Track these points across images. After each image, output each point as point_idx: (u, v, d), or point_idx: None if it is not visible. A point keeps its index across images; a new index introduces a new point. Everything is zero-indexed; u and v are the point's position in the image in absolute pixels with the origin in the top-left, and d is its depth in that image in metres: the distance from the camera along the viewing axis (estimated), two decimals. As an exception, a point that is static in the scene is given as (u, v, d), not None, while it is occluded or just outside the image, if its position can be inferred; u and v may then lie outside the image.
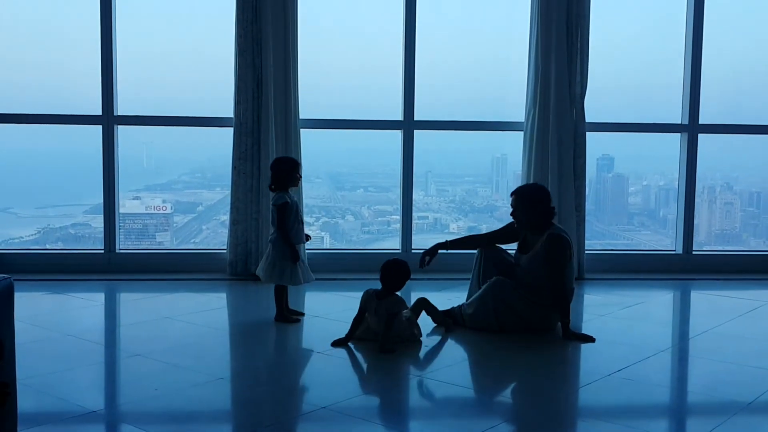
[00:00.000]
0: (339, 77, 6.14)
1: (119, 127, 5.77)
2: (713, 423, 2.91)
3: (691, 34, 5.97)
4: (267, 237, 5.48)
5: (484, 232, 4.36)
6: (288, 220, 4.30)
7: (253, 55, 5.47)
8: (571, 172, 5.70)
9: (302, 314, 4.50)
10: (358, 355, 3.78)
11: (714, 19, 5.97)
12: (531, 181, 5.70)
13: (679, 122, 6.11)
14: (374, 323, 3.93)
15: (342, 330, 4.21)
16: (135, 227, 6.29)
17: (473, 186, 7.04)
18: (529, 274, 4.16)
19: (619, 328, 4.41)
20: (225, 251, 5.64)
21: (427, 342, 4.06)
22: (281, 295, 4.42)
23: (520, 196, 4.21)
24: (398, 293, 3.98)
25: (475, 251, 4.45)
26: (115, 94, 5.71)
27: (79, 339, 3.98)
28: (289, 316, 4.42)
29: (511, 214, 4.25)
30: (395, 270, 3.97)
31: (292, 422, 2.96)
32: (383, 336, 3.82)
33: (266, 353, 3.98)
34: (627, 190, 6.99)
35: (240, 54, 5.45)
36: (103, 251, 5.80)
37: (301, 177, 4.52)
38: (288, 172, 4.35)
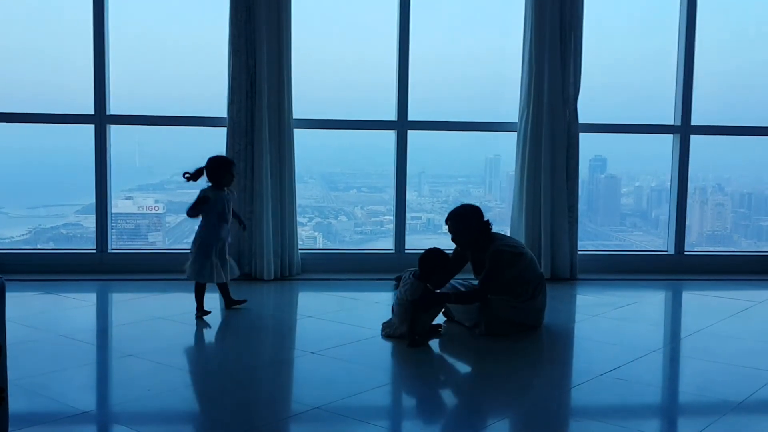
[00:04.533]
0: (333, 77, 6.14)
1: (112, 126, 5.75)
2: (705, 422, 2.92)
3: (684, 35, 5.99)
4: (260, 237, 5.50)
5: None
6: (206, 213, 4.40)
7: (247, 56, 5.46)
8: (564, 173, 5.72)
9: (244, 300, 4.64)
10: (352, 355, 3.78)
11: (706, 20, 6.00)
12: (523, 182, 5.72)
13: (672, 123, 6.14)
14: (399, 295, 4.04)
15: (336, 329, 4.22)
16: (127, 227, 6.26)
17: (466, 186, 7.04)
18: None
19: (612, 328, 4.43)
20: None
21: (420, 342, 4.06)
22: (200, 292, 4.48)
23: (453, 220, 4.24)
24: (426, 282, 4.02)
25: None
26: (108, 94, 5.69)
27: (71, 339, 3.97)
28: (204, 312, 4.47)
29: (452, 240, 4.29)
30: (423, 256, 4.05)
31: (285, 422, 2.95)
32: (408, 329, 3.91)
33: (259, 353, 3.97)
34: (619, 191, 7.02)
35: (234, 54, 5.45)
36: (95, 251, 5.78)
37: (234, 176, 4.54)
38: (217, 169, 4.43)
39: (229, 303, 4.62)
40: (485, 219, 4.24)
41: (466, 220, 4.21)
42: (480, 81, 6.29)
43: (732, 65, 6.52)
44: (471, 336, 4.13)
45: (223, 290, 4.60)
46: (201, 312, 4.47)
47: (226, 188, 4.49)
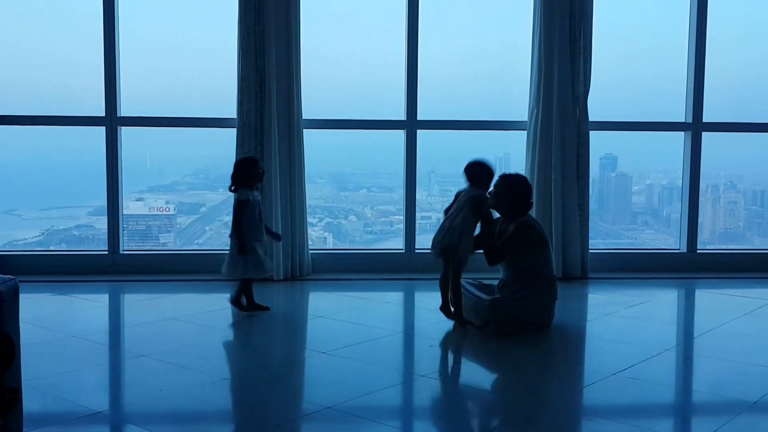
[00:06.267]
0: (342, 77, 6.15)
1: (122, 128, 5.78)
2: (719, 422, 2.90)
3: (695, 31, 5.96)
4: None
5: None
6: (246, 216, 4.43)
7: (256, 56, 5.47)
8: (574, 171, 5.70)
9: (267, 308, 4.62)
10: (363, 355, 3.78)
11: (718, 17, 5.95)
12: (533, 181, 5.69)
13: (683, 120, 6.10)
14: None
15: (347, 329, 4.23)
16: (138, 228, 6.29)
17: (476, 186, 7.02)
18: (507, 262, 4.23)
19: (624, 327, 4.40)
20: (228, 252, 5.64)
21: (432, 341, 4.06)
22: (249, 287, 4.55)
23: (507, 182, 4.31)
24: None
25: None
26: (119, 96, 5.72)
27: (84, 340, 3.99)
28: (259, 306, 4.57)
29: (493, 193, 4.30)
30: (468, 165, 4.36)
31: (296, 422, 2.96)
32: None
33: (271, 353, 3.98)
34: (630, 189, 6.98)
35: (243, 55, 5.46)
36: (107, 252, 5.81)
37: (263, 171, 4.65)
38: (246, 169, 4.48)
39: (238, 301, 4.60)
40: (531, 200, 4.31)
41: (516, 189, 4.28)
42: (489, 79, 6.28)
43: (744, 61, 6.47)
44: (481, 336, 4.12)
45: (246, 289, 4.60)
46: (254, 307, 4.54)
47: (256, 188, 4.56)
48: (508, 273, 4.27)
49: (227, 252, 5.64)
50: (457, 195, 4.34)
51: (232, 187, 4.50)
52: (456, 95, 6.29)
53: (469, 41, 6.29)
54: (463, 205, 4.21)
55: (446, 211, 4.36)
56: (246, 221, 4.44)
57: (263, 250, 4.64)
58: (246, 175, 4.47)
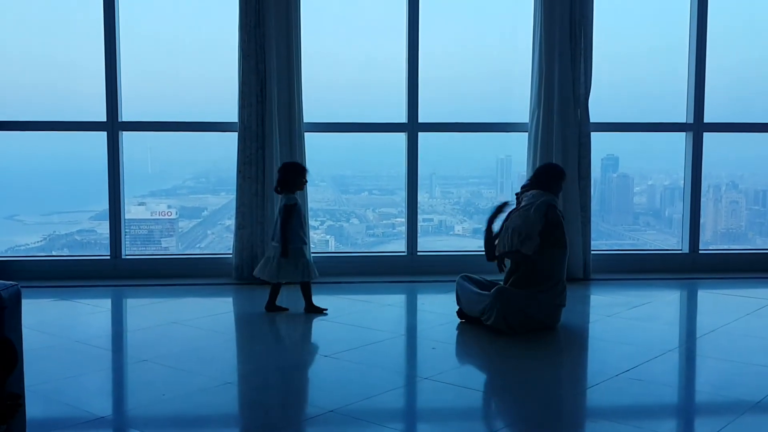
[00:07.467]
0: (343, 79, 6.16)
1: (124, 133, 5.79)
2: (722, 422, 2.90)
3: (696, 32, 5.96)
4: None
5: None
6: (294, 220, 4.53)
7: (257, 60, 5.48)
8: (576, 173, 5.69)
9: (286, 309, 4.73)
10: (366, 358, 3.78)
11: (718, 17, 5.95)
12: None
13: (684, 121, 6.10)
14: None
15: (349, 332, 4.23)
16: (140, 233, 6.30)
17: (478, 187, 7.03)
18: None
19: (626, 328, 4.40)
20: (231, 256, 5.65)
21: (434, 344, 4.06)
22: (308, 289, 4.68)
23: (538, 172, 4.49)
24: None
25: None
26: (120, 101, 5.73)
27: (87, 345, 3.99)
28: (318, 308, 4.67)
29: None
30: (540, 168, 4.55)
31: (299, 426, 2.96)
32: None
33: (273, 357, 3.98)
34: (632, 190, 6.98)
35: (244, 58, 5.47)
36: (109, 257, 5.81)
37: (306, 182, 4.79)
38: (296, 176, 4.63)
39: (272, 306, 4.71)
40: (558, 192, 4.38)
41: (546, 175, 4.39)
42: (490, 81, 6.28)
43: (745, 60, 6.47)
44: (486, 335, 4.12)
45: (276, 292, 4.70)
46: (275, 308, 4.65)
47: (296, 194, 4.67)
48: (523, 268, 4.24)
49: (228, 255, 5.67)
50: (519, 197, 4.36)
51: (278, 189, 4.61)
52: (457, 97, 6.29)
53: (469, 43, 6.29)
54: (530, 209, 4.17)
55: (512, 211, 4.35)
56: (293, 225, 4.53)
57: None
58: (295, 180, 4.60)
